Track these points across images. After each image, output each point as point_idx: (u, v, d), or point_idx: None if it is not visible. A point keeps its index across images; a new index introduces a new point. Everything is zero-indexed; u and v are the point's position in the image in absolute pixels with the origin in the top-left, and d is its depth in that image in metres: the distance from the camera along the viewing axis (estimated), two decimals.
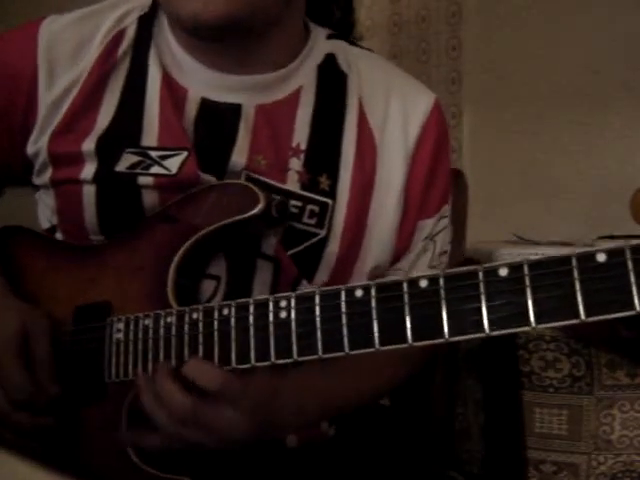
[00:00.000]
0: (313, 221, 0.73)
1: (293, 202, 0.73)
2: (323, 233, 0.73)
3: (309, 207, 0.73)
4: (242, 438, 0.63)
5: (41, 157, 0.75)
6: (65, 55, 0.75)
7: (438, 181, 0.80)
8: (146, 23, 0.78)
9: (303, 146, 0.74)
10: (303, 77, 0.77)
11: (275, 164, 0.73)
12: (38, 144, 0.75)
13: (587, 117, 1.90)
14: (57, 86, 0.74)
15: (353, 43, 0.83)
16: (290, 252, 0.73)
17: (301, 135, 0.75)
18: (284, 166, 0.74)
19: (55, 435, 0.71)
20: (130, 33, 0.77)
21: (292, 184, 0.73)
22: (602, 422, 1.12)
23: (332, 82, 0.78)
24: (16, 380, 0.68)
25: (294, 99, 0.76)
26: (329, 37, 0.82)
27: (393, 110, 0.78)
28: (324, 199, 0.73)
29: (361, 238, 0.75)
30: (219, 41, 0.73)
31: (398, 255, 0.78)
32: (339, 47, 0.81)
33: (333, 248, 0.73)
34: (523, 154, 2.00)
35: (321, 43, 0.80)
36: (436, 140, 0.79)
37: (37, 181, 0.78)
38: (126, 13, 0.78)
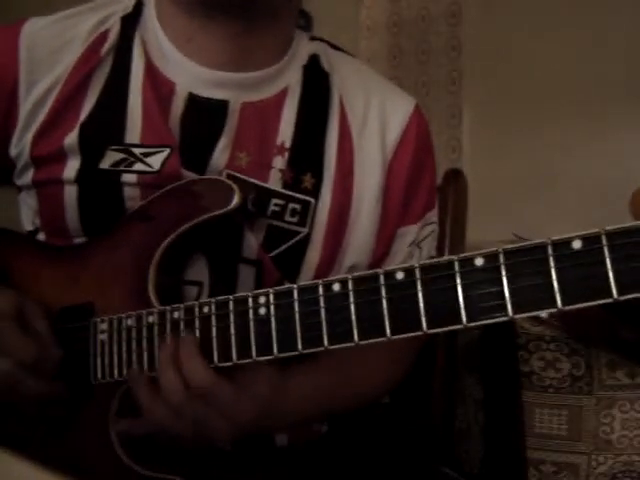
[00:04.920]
0: (295, 219, 0.73)
1: (275, 200, 0.73)
2: (305, 231, 0.73)
3: (291, 205, 0.73)
4: (228, 438, 0.64)
5: (23, 158, 0.75)
6: (46, 56, 0.75)
7: (420, 188, 0.80)
8: (130, 22, 0.78)
9: (288, 144, 0.75)
10: (290, 77, 0.78)
11: (258, 162, 0.74)
12: (20, 145, 0.75)
13: (587, 117, 1.90)
14: (38, 87, 0.74)
15: (333, 46, 0.84)
16: (272, 254, 0.73)
17: (286, 133, 0.75)
18: (267, 164, 0.74)
19: (48, 436, 0.71)
20: (113, 33, 0.77)
21: (274, 182, 0.73)
22: (602, 422, 1.12)
23: (316, 82, 0.79)
24: (21, 345, 0.68)
25: (281, 98, 0.77)
26: (311, 39, 0.83)
27: (372, 114, 0.79)
28: (306, 198, 0.74)
29: (341, 238, 0.76)
30: (224, 14, 0.72)
31: (377, 259, 0.78)
32: (321, 48, 0.82)
33: (315, 247, 0.74)
34: (523, 154, 2.00)
35: (304, 44, 0.81)
36: (416, 146, 0.79)
37: (19, 182, 0.78)
38: (108, 15, 0.78)
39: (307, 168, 0.74)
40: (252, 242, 0.72)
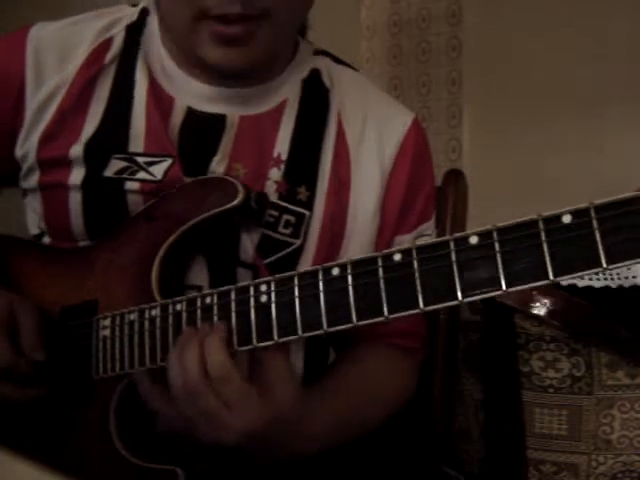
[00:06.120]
0: (288, 231, 0.74)
1: (270, 211, 0.73)
2: (298, 243, 0.74)
3: (285, 217, 0.74)
4: (234, 439, 0.62)
5: (29, 160, 0.76)
6: (52, 60, 0.76)
7: (417, 200, 0.81)
8: (134, 32, 0.79)
9: (284, 157, 0.76)
10: (289, 90, 0.78)
11: (254, 173, 0.75)
12: (25, 147, 0.76)
13: (587, 117, 1.90)
14: (44, 90, 0.75)
15: (338, 60, 0.84)
16: (266, 261, 0.74)
17: (282, 146, 0.76)
18: (263, 175, 0.75)
19: (47, 432, 0.72)
20: (118, 41, 0.78)
21: (269, 194, 0.74)
22: (602, 422, 1.12)
23: (315, 97, 0.79)
24: None
25: (278, 112, 0.77)
26: (316, 53, 0.83)
27: (369, 129, 0.79)
28: (301, 210, 0.74)
29: (337, 250, 0.76)
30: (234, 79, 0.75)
31: None
32: (324, 63, 0.82)
33: (307, 258, 0.74)
34: (523, 154, 2.00)
35: (308, 58, 0.82)
36: (414, 159, 0.80)
37: (25, 184, 0.79)
38: (113, 22, 0.79)
39: (302, 181, 0.75)
40: (248, 246, 0.73)
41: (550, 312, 1.09)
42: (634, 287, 1.18)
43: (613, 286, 1.18)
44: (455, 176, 1.09)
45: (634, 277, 1.18)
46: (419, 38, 2.33)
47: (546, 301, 1.09)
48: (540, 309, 1.09)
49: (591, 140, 1.89)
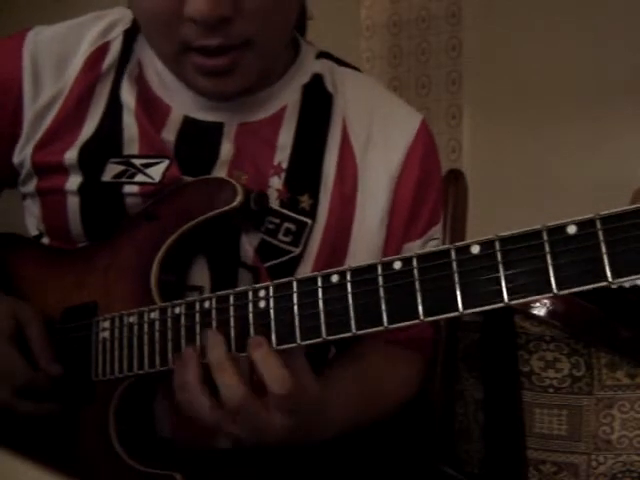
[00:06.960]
0: (288, 239, 0.73)
1: (270, 218, 0.73)
2: (297, 252, 0.73)
3: (285, 225, 0.73)
4: (279, 441, 0.62)
5: (26, 167, 0.76)
6: (49, 66, 0.76)
7: (425, 205, 0.80)
8: (131, 38, 0.78)
9: (284, 165, 0.75)
10: (288, 96, 0.77)
11: (255, 181, 0.74)
12: (23, 154, 0.76)
13: (587, 117, 1.91)
14: (42, 97, 0.75)
15: (341, 63, 0.83)
16: (265, 265, 0.73)
17: (283, 154, 0.75)
18: (264, 184, 0.74)
19: (47, 434, 0.72)
20: (115, 47, 0.77)
21: (271, 201, 0.74)
22: (602, 422, 1.12)
23: (317, 102, 0.78)
24: (14, 365, 0.69)
25: (278, 118, 0.76)
26: (318, 56, 0.82)
27: (376, 133, 0.78)
28: (303, 218, 0.74)
29: (343, 258, 0.75)
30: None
31: None
32: (327, 67, 0.81)
33: (306, 267, 0.74)
34: (523, 154, 2.00)
35: (310, 62, 0.80)
36: (422, 163, 0.79)
37: (23, 189, 0.79)
38: (111, 25, 0.78)
39: (304, 189, 0.74)
40: (248, 248, 0.73)
41: (550, 312, 1.09)
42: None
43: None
44: (455, 176, 1.09)
45: None
46: (419, 38, 2.33)
47: (546, 301, 1.09)
48: (540, 309, 1.09)
49: (591, 140, 1.90)
